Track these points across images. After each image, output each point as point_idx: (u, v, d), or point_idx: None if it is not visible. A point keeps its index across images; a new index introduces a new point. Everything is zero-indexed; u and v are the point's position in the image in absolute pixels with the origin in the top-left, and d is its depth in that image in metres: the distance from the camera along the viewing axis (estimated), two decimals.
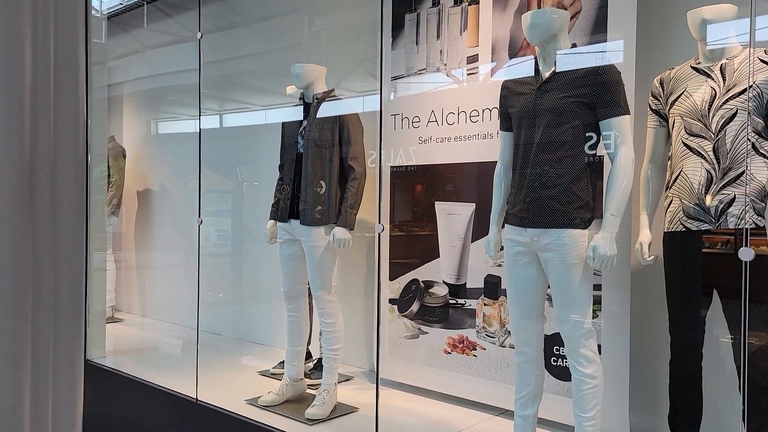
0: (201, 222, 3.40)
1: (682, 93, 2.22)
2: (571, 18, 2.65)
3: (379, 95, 2.96)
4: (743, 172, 2.07)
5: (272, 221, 3.19)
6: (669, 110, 2.27)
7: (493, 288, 3.00)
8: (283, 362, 3.58)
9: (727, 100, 2.10)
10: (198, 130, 3.83)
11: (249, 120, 5.02)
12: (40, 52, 1.32)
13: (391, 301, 3.37)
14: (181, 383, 3.30)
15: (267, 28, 4.66)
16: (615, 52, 2.52)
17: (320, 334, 3.15)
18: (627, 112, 2.10)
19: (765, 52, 2.10)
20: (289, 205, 3.00)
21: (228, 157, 4.79)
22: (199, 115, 3.83)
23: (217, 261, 4.93)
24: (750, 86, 2.06)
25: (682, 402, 2.28)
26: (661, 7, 2.63)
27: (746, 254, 1.74)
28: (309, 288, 3.09)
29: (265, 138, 4.70)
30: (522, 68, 2.52)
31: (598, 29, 2.58)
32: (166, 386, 3.29)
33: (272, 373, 3.57)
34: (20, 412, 1.08)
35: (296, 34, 4.65)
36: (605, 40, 2.55)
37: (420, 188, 3.29)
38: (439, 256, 3.20)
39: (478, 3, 3.01)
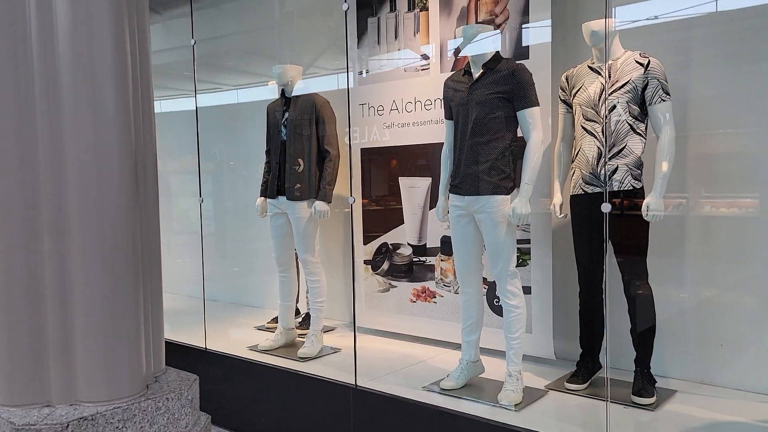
0: (202, 200, 3.98)
1: (581, 87, 2.86)
2: (500, 26, 3.26)
3: (347, 90, 3.55)
4: (624, 148, 2.73)
5: (262, 198, 3.79)
6: (572, 100, 2.92)
7: (447, 246, 3.65)
8: (275, 318, 4.23)
9: (611, 93, 2.74)
10: (195, 109, 4.29)
11: (221, 100, 5.41)
12: (137, 63, 1.78)
13: (366, 261, 4.01)
14: (192, 338, 3.92)
15: (238, 9, 5.05)
16: (535, 51, 3.14)
17: (306, 292, 3.78)
18: (536, 104, 2.73)
19: (640, 54, 2.74)
20: (276, 184, 3.61)
21: (203, 138, 5.20)
22: (195, 94, 4.29)
23: (206, 237, 5.49)
24: (627, 82, 2.70)
25: (588, 327, 2.96)
26: (568, 15, 3.25)
27: (605, 207, 2.42)
28: (296, 253, 3.71)
29: (240, 118, 5.19)
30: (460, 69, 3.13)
31: (520, 38, 3.20)
32: (176, 339, 3.91)
33: (267, 327, 4.22)
34: (139, 327, 1.64)
35: (268, 14, 5.07)
36: (528, 45, 3.17)
37: (386, 166, 3.91)
38: (403, 223, 3.84)
39: (427, 9, 3.60)
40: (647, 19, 3.05)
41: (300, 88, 3.61)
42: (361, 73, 3.93)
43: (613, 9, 3.08)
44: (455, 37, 3.15)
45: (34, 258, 1.53)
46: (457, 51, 3.45)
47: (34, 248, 1.53)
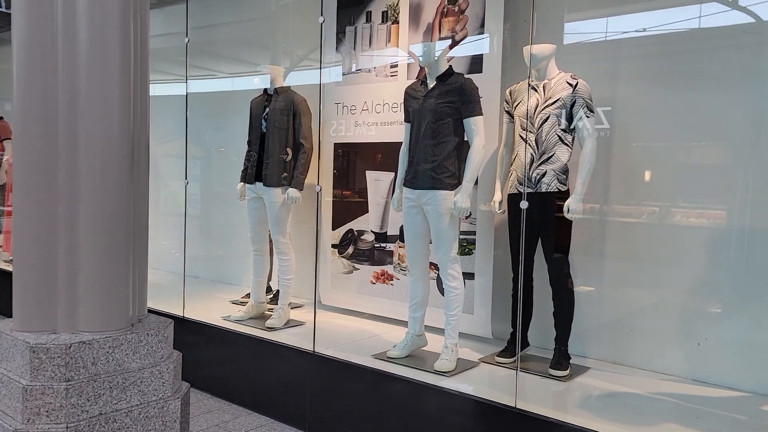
0: (187, 183, 4.38)
1: (520, 101, 3.29)
2: (458, 42, 3.68)
3: (319, 92, 3.96)
4: (552, 155, 3.16)
5: (242, 183, 4.20)
6: (513, 112, 3.35)
7: None
8: (248, 294, 4.63)
9: (544, 108, 3.18)
10: (185, 94, 4.65)
11: (213, 87, 5.75)
12: (136, 51, 2.16)
13: (333, 245, 4.43)
14: (170, 307, 4.31)
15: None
16: (487, 66, 3.57)
17: (278, 272, 4.20)
18: (480, 114, 3.16)
19: (571, 76, 3.18)
20: (255, 171, 4.01)
21: (195, 123, 5.55)
22: (186, 80, 4.66)
23: (191, 218, 5.88)
24: (558, 99, 3.14)
25: (518, 308, 3.40)
26: (519, 37, 3.68)
27: (523, 204, 2.86)
28: (269, 234, 4.12)
29: (230, 105, 5.55)
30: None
31: (475, 54, 3.63)
32: (158, 308, 4.30)
33: (241, 301, 4.63)
34: (129, 276, 2.03)
35: (264, 5, 5.41)
36: (482, 61, 3.60)
37: (356, 160, 4.32)
38: (368, 212, 4.26)
39: (398, 23, 4.02)
40: (587, 35, 3.49)
41: (284, 81, 4.00)
42: (345, 74, 4.34)
43: (563, 31, 3.52)
44: (412, 53, 3.57)
45: (51, 215, 1.94)
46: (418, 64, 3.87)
47: (50, 207, 1.93)
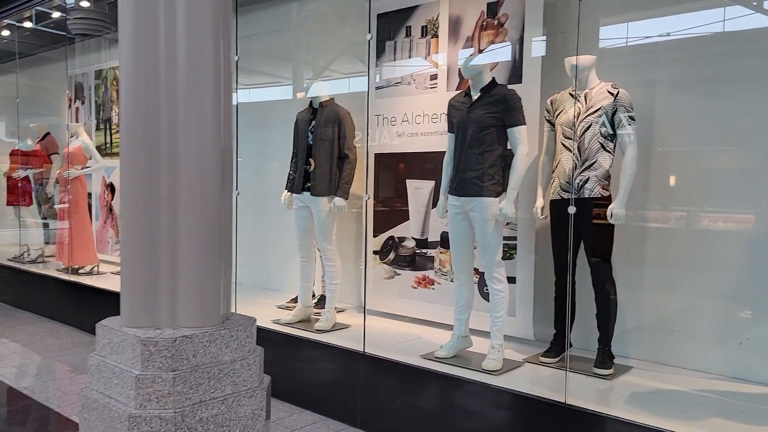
0: (238, 193, 4.59)
1: (562, 110, 3.43)
2: (498, 54, 3.84)
3: (366, 105, 4.15)
4: (595, 162, 3.30)
5: (288, 193, 4.38)
6: (555, 121, 3.49)
7: (446, 241, 4.22)
8: (294, 298, 4.81)
9: (586, 116, 3.31)
10: (235, 104, 4.84)
11: (240, 98, 5.95)
12: (224, 73, 2.36)
13: (374, 252, 4.60)
14: None
15: (258, 11, 5.56)
16: (527, 77, 3.72)
17: (322, 278, 4.37)
18: (523, 123, 3.31)
19: (612, 86, 3.31)
20: (302, 182, 4.20)
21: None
22: (236, 90, 4.83)
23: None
24: (599, 108, 3.27)
25: (561, 311, 3.53)
26: (557, 48, 3.82)
27: (571, 209, 2.99)
28: (316, 241, 4.30)
29: (251, 116, 5.75)
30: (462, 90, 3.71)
31: (515, 65, 3.78)
32: None
33: (287, 306, 4.81)
34: (220, 277, 2.27)
35: (285, 18, 5.59)
36: (521, 72, 3.75)
37: (397, 169, 4.49)
38: (409, 219, 4.42)
39: (437, 37, 4.19)
40: (625, 40, 3.62)
41: (317, 90, 4.20)
42: (379, 88, 4.52)
43: (599, 38, 3.66)
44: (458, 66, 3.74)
45: (154, 224, 2.15)
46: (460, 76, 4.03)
47: (154, 215, 2.14)
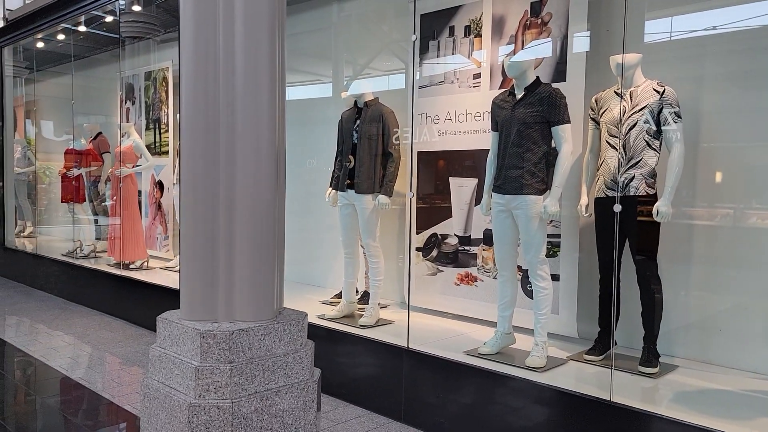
0: None
1: (606, 108, 3.43)
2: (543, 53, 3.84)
3: (410, 104, 4.21)
4: (641, 160, 3.28)
5: (333, 190, 4.48)
6: (600, 119, 3.48)
7: (489, 238, 4.25)
8: (338, 293, 4.91)
9: (632, 114, 3.30)
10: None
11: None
12: (280, 74, 2.47)
13: (417, 249, 4.66)
14: None
15: (297, 10, 5.70)
16: (571, 75, 3.72)
17: (366, 274, 4.45)
18: (568, 122, 3.32)
19: (657, 83, 3.29)
20: (347, 179, 4.29)
21: None
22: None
23: None
24: (645, 106, 3.26)
25: (605, 308, 3.52)
26: (601, 47, 3.81)
27: (617, 207, 3.00)
28: (360, 238, 4.39)
29: (291, 114, 5.84)
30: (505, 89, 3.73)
31: (560, 64, 3.78)
32: None
33: (331, 302, 4.91)
34: (274, 273, 2.38)
35: (326, 17, 5.68)
36: (565, 71, 3.75)
37: (439, 167, 4.54)
38: (452, 216, 4.47)
39: (481, 36, 4.21)
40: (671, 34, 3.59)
41: (360, 89, 4.28)
42: (422, 87, 4.58)
43: (643, 35, 3.64)
44: (503, 65, 3.76)
45: (213, 223, 2.27)
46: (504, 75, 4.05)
47: (212, 217, 2.27)
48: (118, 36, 6.87)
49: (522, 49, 3.96)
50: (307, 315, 2.61)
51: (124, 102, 7.31)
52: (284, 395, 2.29)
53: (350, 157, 4.22)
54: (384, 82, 5.28)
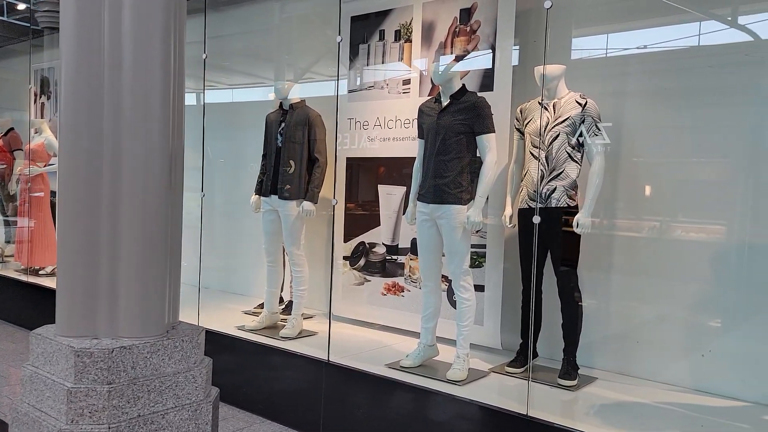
0: (204, 195, 4.49)
1: (530, 119, 3.42)
2: (470, 61, 3.81)
3: (336, 109, 4.08)
4: (562, 172, 3.28)
5: (256, 196, 4.30)
6: (524, 129, 3.47)
7: (416, 247, 4.17)
8: (261, 304, 4.72)
9: (554, 126, 3.30)
10: (202, 106, 4.74)
11: (216, 98, 5.81)
12: (174, 69, 2.27)
13: (345, 257, 4.53)
14: (185, 317, 4.38)
15: (240, 11, 5.45)
16: (498, 84, 3.70)
17: (290, 283, 4.29)
18: (492, 131, 3.28)
19: (580, 96, 3.30)
20: (270, 185, 4.12)
21: (196, 134, 5.67)
22: (204, 90, 4.73)
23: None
24: (567, 118, 3.26)
25: (527, 320, 3.50)
26: (528, 57, 3.81)
27: (536, 219, 2.98)
28: (284, 246, 4.22)
29: (234, 116, 5.63)
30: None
31: (487, 73, 3.76)
32: None
33: (253, 311, 4.71)
34: (165, 285, 2.13)
35: (268, 18, 5.49)
36: (492, 79, 3.73)
37: (368, 174, 4.43)
38: (380, 225, 4.37)
39: (411, 41, 4.15)
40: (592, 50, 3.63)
41: (294, 93, 4.13)
42: (351, 91, 4.47)
43: (571, 49, 3.66)
44: (430, 71, 3.71)
45: (94, 226, 2.05)
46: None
47: (94, 219, 2.04)
48: (30, 26, 6.44)
49: (453, 56, 3.91)
50: (204, 330, 2.43)
51: (38, 96, 6.86)
52: (172, 418, 2.10)
53: (291, 161, 4.04)
54: (320, 87, 5.14)
